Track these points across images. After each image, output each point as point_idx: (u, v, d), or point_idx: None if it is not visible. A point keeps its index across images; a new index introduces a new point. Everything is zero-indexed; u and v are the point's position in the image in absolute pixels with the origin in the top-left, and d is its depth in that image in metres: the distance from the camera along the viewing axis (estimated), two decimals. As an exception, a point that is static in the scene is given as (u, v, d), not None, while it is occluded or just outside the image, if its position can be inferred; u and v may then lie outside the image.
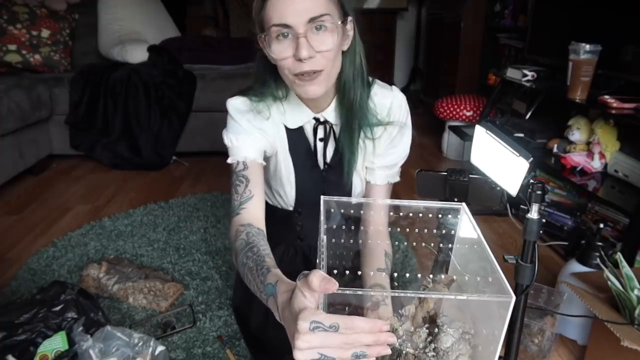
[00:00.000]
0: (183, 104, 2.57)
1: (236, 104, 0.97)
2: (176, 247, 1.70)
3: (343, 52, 0.89)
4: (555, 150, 1.85)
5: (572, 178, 1.67)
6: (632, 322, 0.96)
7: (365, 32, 0.92)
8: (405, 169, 1.10)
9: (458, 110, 2.66)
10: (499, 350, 0.59)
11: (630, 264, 1.25)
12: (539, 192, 0.77)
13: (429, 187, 1.07)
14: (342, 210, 0.80)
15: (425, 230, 0.83)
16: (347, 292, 0.55)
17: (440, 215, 0.79)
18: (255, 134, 0.96)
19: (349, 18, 0.87)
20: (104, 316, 1.19)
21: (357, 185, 1.07)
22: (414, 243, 0.91)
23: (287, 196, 1.09)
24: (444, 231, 0.81)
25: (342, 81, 0.92)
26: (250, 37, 0.92)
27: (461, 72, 3.18)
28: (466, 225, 0.75)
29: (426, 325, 0.67)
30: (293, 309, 0.54)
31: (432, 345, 0.64)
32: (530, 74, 2.05)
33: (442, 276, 0.71)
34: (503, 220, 1.94)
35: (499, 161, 0.82)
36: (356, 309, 0.76)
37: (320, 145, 1.03)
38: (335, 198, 0.78)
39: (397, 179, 1.08)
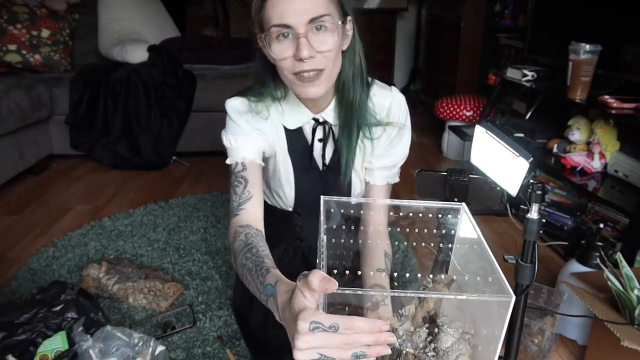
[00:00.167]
0: (183, 104, 2.57)
1: (235, 105, 0.97)
2: (176, 247, 1.70)
3: (342, 52, 0.89)
4: (555, 150, 1.85)
5: (572, 178, 1.67)
6: (632, 322, 0.96)
7: (365, 32, 0.92)
8: (405, 169, 1.10)
9: (458, 110, 2.66)
10: (499, 350, 0.59)
11: (630, 264, 1.25)
12: (539, 192, 0.77)
13: (429, 187, 1.07)
14: (342, 210, 0.80)
15: (425, 230, 0.83)
16: (347, 292, 0.55)
17: (440, 215, 0.79)
18: (254, 134, 0.96)
19: (349, 18, 0.87)
20: (104, 316, 1.19)
21: (357, 185, 1.07)
22: (414, 243, 0.91)
23: (287, 197, 1.09)
24: (444, 231, 0.81)
25: (341, 81, 0.92)
26: (250, 37, 0.92)
27: (461, 72, 3.18)
28: (466, 225, 0.75)
29: (426, 325, 0.67)
30: (293, 309, 0.54)
31: (432, 345, 0.64)
32: (530, 74, 2.05)
33: (442, 276, 0.71)
34: (503, 220, 1.94)
35: (499, 161, 0.82)
36: (356, 309, 0.76)
37: (319, 145, 1.03)
38: (335, 198, 0.78)
39: (397, 179, 1.08)
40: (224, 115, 0.98)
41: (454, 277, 0.72)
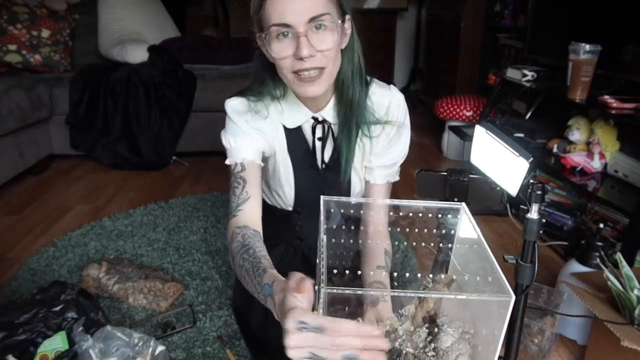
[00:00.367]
0: (183, 104, 2.57)
1: (234, 105, 0.97)
2: (176, 247, 1.70)
3: (341, 51, 0.89)
4: (555, 150, 1.85)
5: (572, 178, 1.67)
6: (632, 322, 0.96)
7: (365, 32, 0.92)
8: (405, 169, 1.10)
9: (458, 110, 2.66)
10: (498, 350, 0.59)
11: (630, 264, 1.25)
12: (539, 192, 0.77)
13: (429, 187, 1.07)
14: (342, 210, 0.80)
15: (425, 230, 0.83)
16: (347, 292, 0.55)
17: (440, 215, 0.79)
18: (253, 134, 0.96)
19: (347, 16, 0.87)
20: (104, 316, 1.19)
21: (356, 184, 1.07)
22: (414, 243, 0.91)
23: (286, 196, 1.09)
24: (443, 231, 0.81)
25: (340, 79, 0.92)
26: (250, 37, 0.92)
27: (461, 72, 3.18)
28: (466, 225, 0.75)
29: (426, 325, 0.67)
30: (284, 308, 0.56)
31: (432, 345, 0.64)
32: (530, 74, 2.05)
33: (442, 276, 0.71)
34: (503, 220, 1.94)
35: (499, 161, 0.82)
36: (356, 309, 0.76)
37: (318, 144, 1.03)
38: (335, 198, 0.78)
39: (397, 178, 1.08)
40: (224, 115, 0.98)
41: (454, 277, 0.72)
